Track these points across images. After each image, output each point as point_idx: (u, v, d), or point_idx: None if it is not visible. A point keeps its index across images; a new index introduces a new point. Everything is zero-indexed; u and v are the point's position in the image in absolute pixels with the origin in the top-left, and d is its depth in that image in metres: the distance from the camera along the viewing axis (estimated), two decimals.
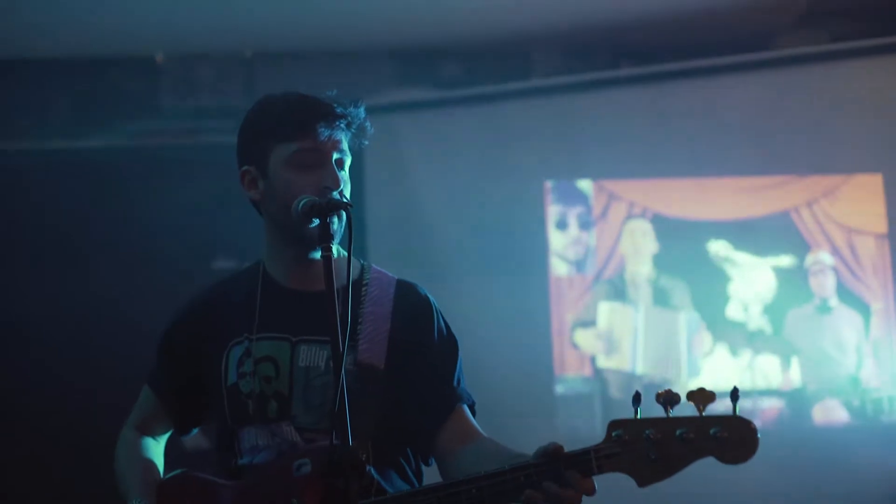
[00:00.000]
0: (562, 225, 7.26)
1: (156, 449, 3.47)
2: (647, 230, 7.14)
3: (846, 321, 6.91)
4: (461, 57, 7.61)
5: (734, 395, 2.68)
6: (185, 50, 7.43)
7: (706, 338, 7.01)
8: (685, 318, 7.07)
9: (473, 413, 3.34)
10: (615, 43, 7.54)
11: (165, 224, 7.04)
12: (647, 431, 2.74)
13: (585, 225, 7.24)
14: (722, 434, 2.68)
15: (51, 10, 6.73)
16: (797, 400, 6.94)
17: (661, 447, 2.73)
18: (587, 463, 2.81)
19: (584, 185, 7.27)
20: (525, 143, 7.23)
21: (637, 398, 2.77)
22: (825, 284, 6.95)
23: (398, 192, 7.29)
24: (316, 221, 3.03)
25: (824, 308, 6.94)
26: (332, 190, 3.13)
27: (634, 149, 7.15)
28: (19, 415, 7.08)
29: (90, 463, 6.10)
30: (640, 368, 7.04)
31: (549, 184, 7.30)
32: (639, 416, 2.77)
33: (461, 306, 6.76)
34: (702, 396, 2.70)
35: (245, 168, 3.28)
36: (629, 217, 7.17)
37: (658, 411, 2.76)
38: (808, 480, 6.64)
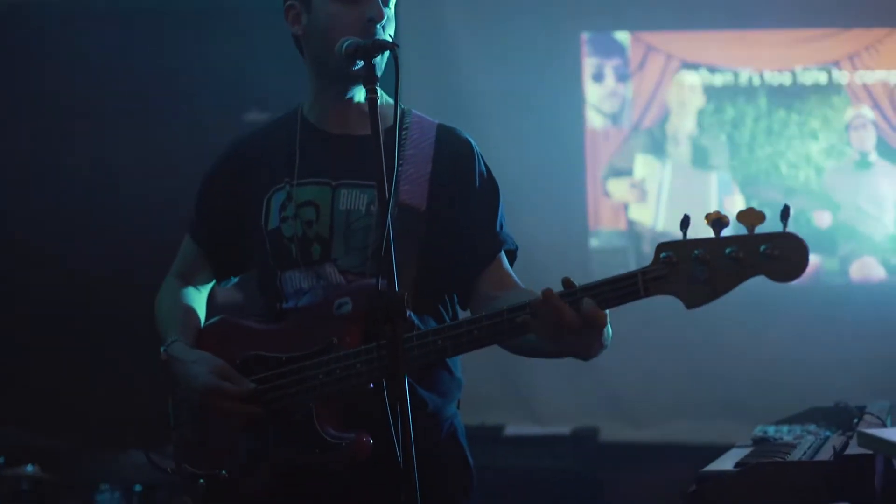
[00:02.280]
0: (598, 77, 7.18)
1: (197, 297, 3.48)
2: (695, 84, 7.04)
3: (885, 177, 6.85)
4: None
5: (785, 212, 2.62)
6: None
7: (738, 201, 6.96)
8: (717, 179, 7.01)
9: (515, 257, 3.32)
10: None
11: (196, 76, 7.00)
12: (695, 251, 2.69)
13: (622, 77, 7.16)
14: (772, 251, 2.63)
15: None
16: (834, 257, 6.90)
17: (710, 267, 2.68)
18: (634, 286, 2.78)
19: (622, 36, 7.17)
20: None
21: (686, 221, 2.71)
22: (865, 139, 6.87)
23: (432, 42, 7.22)
24: (360, 63, 2.98)
25: (864, 163, 6.86)
26: (377, 22, 3.10)
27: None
28: (42, 266, 7.11)
29: (119, 326, 6.18)
30: (664, 223, 7.02)
31: (585, 35, 7.21)
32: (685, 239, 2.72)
33: (496, 160, 6.71)
34: (751, 216, 2.64)
35: (290, 3, 3.26)
36: (674, 69, 7.07)
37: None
38: (843, 337, 6.63)
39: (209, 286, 3.53)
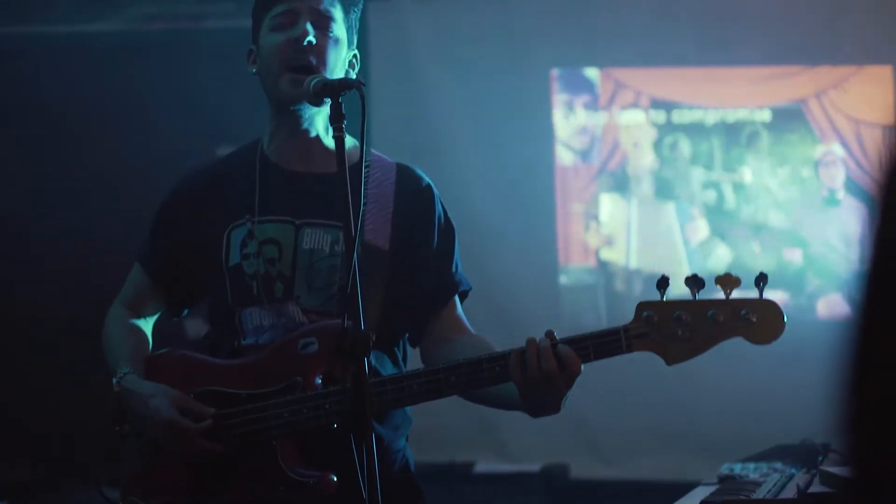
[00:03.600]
0: (568, 113, 7.21)
1: (146, 327, 3.46)
2: (653, 121, 7.09)
3: (853, 214, 6.89)
4: None
5: (762, 279, 2.85)
6: None
7: (701, 226, 7.00)
8: (675, 208, 7.04)
9: (467, 296, 3.39)
10: None
11: (169, 109, 7.01)
12: (677, 313, 2.87)
13: (592, 114, 7.19)
14: (751, 316, 2.85)
15: None
16: (802, 293, 6.94)
17: (690, 328, 2.86)
18: (617, 341, 2.91)
19: (591, 73, 7.20)
20: (532, 30, 7.17)
21: (664, 283, 2.88)
22: (835, 176, 6.92)
23: (404, 78, 7.25)
24: (328, 101, 3.02)
25: (832, 200, 6.91)
26: (300, 41, 3.15)
27: (642, 37, 7.08)
28: (16, 296, 7.09)
29: (89, 355, 6.15)
30: (637, 261, 7.04)
31: (555, 72, 7.24)
32: (665, 299, 2.90)
33: (466, 195, 6.80)
34: (729, 281, 2.84)
35: (250, 47, 3.34)
36: (629, 107, 7.11)
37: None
38: (810, 374, 6.64)
39: (156, 317, 3.51)
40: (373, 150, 3.36)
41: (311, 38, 3.16)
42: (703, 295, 2.90)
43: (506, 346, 3.05)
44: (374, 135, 6.85)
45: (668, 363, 2.90)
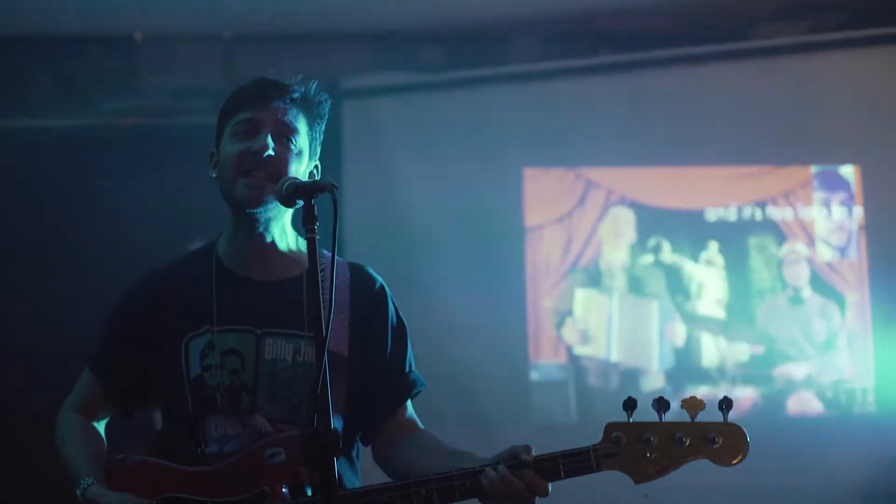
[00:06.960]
0: (542, 210, 7.24)
1: (100, 433, 3.42)
2: (629, 219, 7.13)
3: (818, 312, 6.93)
4: (441, 41, 7.59)
5: (727, 404, 2.97)
6: (164, 29, 7.39)
7: (679, 328, 7.02)
8: (658, 307, 7.07)
9: (417, 395, 3.42)
10: (594, 30, 7.53)
11: (141, 203, 7.01)
12: (646, 434, 2.98)
13: (565, 211, 7.22)
14: (717, 439, 2.97)
15: None
16: (771, 390, 6.96)
17: (659, 449, 2.98)
18: (587, 461, 2.98)
19: (564, 172, 7.24)
20: (504, 130, 7.21)
21: (631, 404, 2.99)
22: (799, 274, 6.97)
23: (376, 175, 7.26)
24: (300, 203, 3.02)
25: (797, 299, 6.96)
26: (260, 154, 3.16)
27: (613, 136, 7.15)
28: None
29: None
30: (614, 356, 7.05)
31: (529, 170, 7.28)
32: (631, 420, 3.00)
33: (439, 292, 6.80)
34: (694, 404, 2.98)
35: (212, 150, 3.35)
36: (612, 204, 7.16)
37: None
38: (781, 471, 6.65)
39: (106, 421, 3.46)
40: (325, 252, 3.27)
41: (270, 151, 3.17)
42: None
43: (477, 441, 3.09)
44: (347, 230, 6.87)
45: (636, 482, 3.00)
